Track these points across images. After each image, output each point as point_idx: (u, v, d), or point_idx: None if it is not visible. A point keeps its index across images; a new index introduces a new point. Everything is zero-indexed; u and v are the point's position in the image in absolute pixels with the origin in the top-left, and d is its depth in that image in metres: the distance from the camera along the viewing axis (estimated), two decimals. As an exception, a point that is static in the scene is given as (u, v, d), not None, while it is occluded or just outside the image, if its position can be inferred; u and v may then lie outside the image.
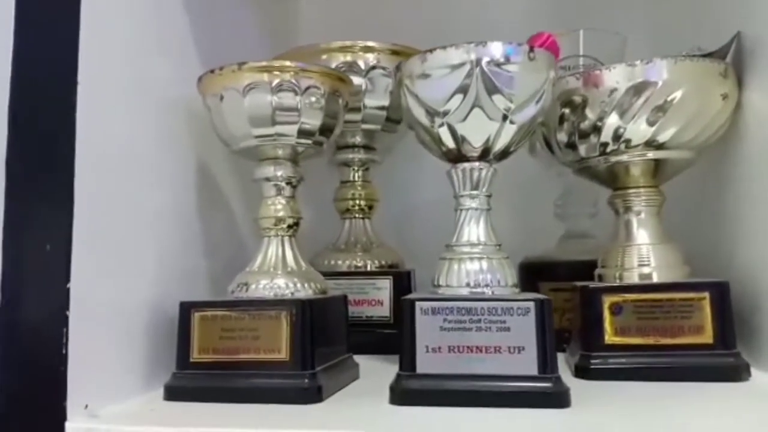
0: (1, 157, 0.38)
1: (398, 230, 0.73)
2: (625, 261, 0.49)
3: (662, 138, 0.47)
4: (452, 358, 0.40)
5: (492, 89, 0.41)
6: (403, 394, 0.39)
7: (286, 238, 0.47)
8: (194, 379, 0.42)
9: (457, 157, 0.44)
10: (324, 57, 0.60)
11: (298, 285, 0.45)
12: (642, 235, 0.50)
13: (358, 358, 0.50)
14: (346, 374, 0.46)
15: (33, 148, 0.38)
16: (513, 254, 0.47)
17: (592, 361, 0.47)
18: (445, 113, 0.42)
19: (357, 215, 0.65)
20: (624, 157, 0.49)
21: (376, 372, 0.47)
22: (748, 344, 0.47)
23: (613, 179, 0.51)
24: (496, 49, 0.41)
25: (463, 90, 0.41)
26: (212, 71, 0.45)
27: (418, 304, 0.41)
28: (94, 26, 0.39)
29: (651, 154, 0.48)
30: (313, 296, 0.45)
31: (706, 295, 0.46)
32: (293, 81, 0.44)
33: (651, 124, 0.47)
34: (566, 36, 0.58)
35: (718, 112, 0.48)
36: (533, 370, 0.39)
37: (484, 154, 0.44)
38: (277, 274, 0.46)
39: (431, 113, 0.43)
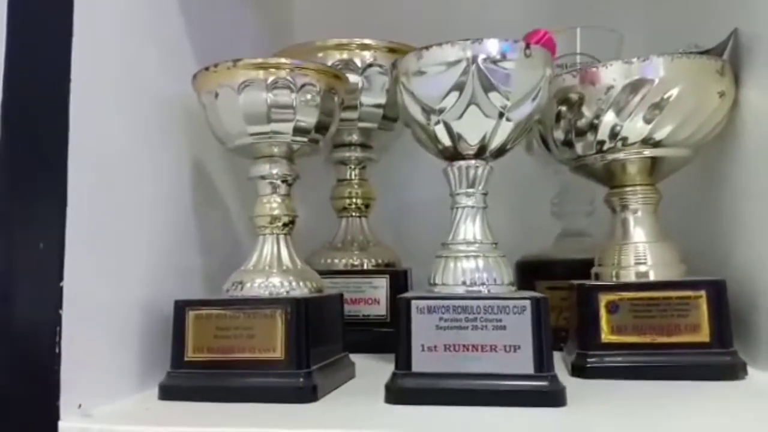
0: (-7, 155, 0.38)
1: (395, 229, 0.73)
2: (621, 259, 0.49)
3: (659, 136, 0.47)
4: (448, 357, 0.39)
5: (488, 86, 0.41)
6: (398, 393, 0.39)
7: (282, 237, 0.47)
8: (189, 378, 0.42)
9: (453, 155, 0.44)
10: (320, 54, 0.60)
11: (294, 284, 0.45)
12: (639, 234, 0.49)
13: (355, 357, 0.50)
14: (341, 373, 0.46)
15: (26, 147, 0.37)
16: (510, 252, 0.47)
17: (589, 360, 0.46)
18: (441, 111, 0.42)
19: (354, 214, 0.65)
20: (620, 155, 0.48)
21: (373, 371, 0.47)
22: (744, 343, 0.47)
23: (610, 177, 0.51)
24: (492, 46, 0.41)
25: (459, 87, 0.41)
26: (207, 68, 0.45)
27: (413, 302, 0.40)
28: (87, 24, 0.39)
29: (648, 152, 0.48)
30: (309, 295, 0.45)
31: (703, 293, 0.46)
32: (289, 78, 0.44)
33: (648, 121, 0.47)
34: (563, 33, 0.58)
35: (714, 110, 0.47)
36: (529, 369, 0.38)
37: (481, 152, 0.43)
38: (272, 272, 0.45)
39: (427, 111, 0.43)
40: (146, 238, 0.46)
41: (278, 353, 0.41)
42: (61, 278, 0.37)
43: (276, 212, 0.46)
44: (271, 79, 0.43)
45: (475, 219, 0.44)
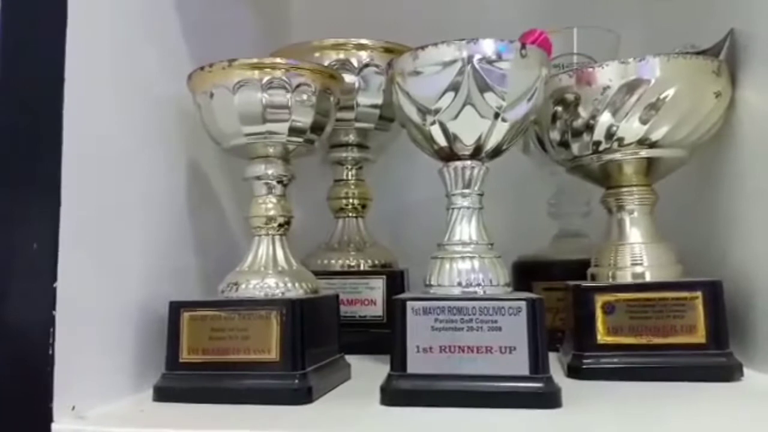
0: (-14, 155, 0.37)
1: (392, 229, 0.73)
2: (618, 260, 0.49)
3: (655, 136, 0.47)
4: (443, 359, 0.39)
5: (484, 87, 0.41)
6: (393, 395, 0.39)
7: (277, 237, 0.47)
8: (184, 380, 0.42)
9: (449, 155, 0.44)
10: (317, 55, 0.60)
11: (289, 284, 0.45)
12: (635, 234, 0.49)
13: (351, 358, 0.50)
14: (337, 375, 0.46)
15: (19, 146, 0.37)
16: (506, 253, 0.46)
17: (585, 361, 0.46)
18: (437, 111, 0.42)
19: (350, 214, 0.65)
20: (617, 156, 0.48)
21: (368, 372, 0.47)
22: (741, 343, 0.47)
23: (606, 178, 0.51)
24: (488, 47, 0.41)
25: (455, 87, 0.41)
26: (202, 68, 0.44)
27: (409, 303, 0.40)
28: (81, 23, 0.39)
29: (644, 153, 0.48)
30: (304, 296, 0.45)
31: (699, 294, 0.46)
32: (284, 78, 0.44)
33: (644, 122, 0.47)
34: (560, 34, 0.58)
35: (711, 110, 0.47)
36: (524, 370, 0.38)
37: (476, 153, 0.43)
38: (267, 273, 0.45)
39: (423, 111, 0.43)
40: (141, 239, 0.45)
41: (273, 355, 0.41)
42: (54, 279, 0.36)
43: (271, 213, 0.46)
44: (266, 79, 0.43)
45: (470, 220, 0.44)
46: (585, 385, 0.45)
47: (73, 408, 0.37)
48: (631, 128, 0.47)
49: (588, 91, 0.47)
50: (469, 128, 0.42)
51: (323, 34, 0.61)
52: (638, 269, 0.48)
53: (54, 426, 0.36)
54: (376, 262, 0.62)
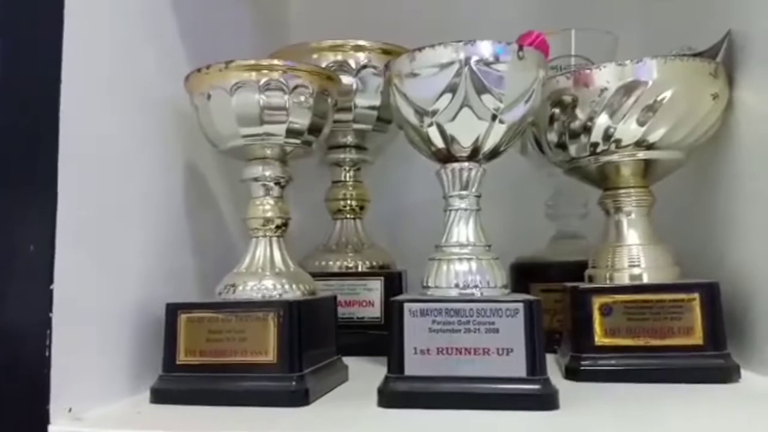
0: (-17, 157, 0.37)
1: (390, 231, 0.73)
2: (615, 262, 0.49)
3: (652, 138, 0.47)
4: (441, 360, 0.39)
5: (481, 89, 0.41)
6: (391, 397, 0.39)
7: (275, 239, 0.47)
8: (181, 382, 0.42)
9: (446, 157, 0.44)
10: (315, 56, 0.60)
11: (286, 286, 0.45)
12: (632, 236, 0.49)
13: (349, 360, 0.49)
14: (334, 376, 0.46)
15: (16, 147, 0.37)
16: (504, 254, 0.46)
17: (582, 363, 0.46)
18: (434, 113, 0.42)
19: (348, 215, 0.64)
20: (614, 158, 0.48)
21: (366, 374, 0.47)
22: (738, 345, 0.47)
23: (604, 179, 0.51)
24: (485, 48, 0.41)
25: (452, 89, 0.41)
26: (199, 70, 0.44)
27: (406, 305, 0.40)
28: (79, 22, 0.39)
29: (641, 155, 0.48)
30: (302, 297, 0.45)
31: (696, 296, 0.46)
32: (281, 80, 0.44)
33: (641, 124, 0.47)
34: (558, 35, 0.58)
35: (708, 112, 0.47)
36: (522, 372, 0.38)
37: (474, 154, 0.43)
38: (265, 275, 0.45)
39: (420, 113, 0.43)
40: (138, 240, 0.45)
41: (270, 356, 0.41)
42: (51, 281, 0.36)
43: (269, 214, 0.46)
44: (263, 80, 0.43)
45: (468, 221, 0.44)
46: (582, 386, 0.45)
47: (70, 410, 0.37)
48: (629, 130, 0.47)
49: (585, 93, 0.47)
50: (466, 130, 0.42)
51: (322, 35, 0.61)
52: (636, 271, 0.48)
53: (50, 428, 0.36)
54: (374, 263, 0.62)
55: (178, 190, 0.52)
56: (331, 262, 0.62)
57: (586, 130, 0.48)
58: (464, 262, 0.42)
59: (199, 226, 0.54)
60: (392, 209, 0.76)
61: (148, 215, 0.47)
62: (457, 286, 0.42)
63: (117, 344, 0.43)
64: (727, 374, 0.44)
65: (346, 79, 0.58)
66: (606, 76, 0.47)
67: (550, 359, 0.50)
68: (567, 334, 0.50)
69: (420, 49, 0.42)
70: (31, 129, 0.37)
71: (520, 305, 0.39)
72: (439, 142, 0.43)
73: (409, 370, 0.39)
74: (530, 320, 0.39)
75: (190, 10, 0.54)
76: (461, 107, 0.41)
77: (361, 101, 0.60)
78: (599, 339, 0.47)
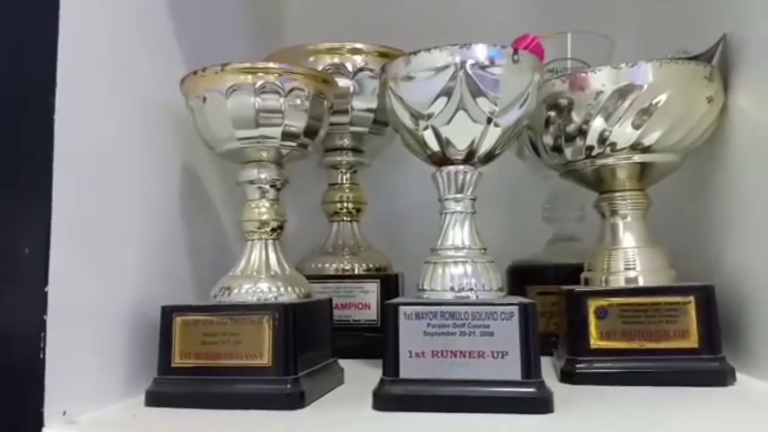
0: (-23, 159, 0.37)
1: (386, 233, 0.73)
2: (611, 264, 0.49)
3: (648, 141, 0.47)
4: (436, 363, 0.39)
5: (476, 92, 0.41)
6: (386, 400, 0.39)
7: (270, 242, 0.47)
8: (176, 385, 0.42)
9: (441, 160, 0.44)
10: (311, 59, 0.60)
11: (282, 289, 0.45)
12: (628, 239, 0.49)
13: (345, 363, 0.49)
14: (330, 379, 0.46)
15: (10, 149, 0.37)
16: (501, 257, 0.46)
17: (578, 366, 0.46)
18: (430, 116, 0.42)
19: (345, 218, 0.64)
20: (610, 161, 0.48)
21: (362, 376, 0.47)
22: (734, 348, 0.47)
23: (600, 182, 0.51)
24: (480, 52, 0.41)
25: (447, 93, 0.41)
26: (195, 72, 0.44)
27: (401, 308, 0.40)
28: (74, 24, 0.39)
29: (637, 158, 0.48)
30: (297, 300, 0.45)
31: (692, 299, 0.46)
32: (277, 83, 0.44)
33: (636, 127, 0.47)
34: (554, 39, 0.58)
35: (703, 115, 0.47)
36: (516, 375, 0.38)
37: (469, 157, 0.43)
38: (260, 278, 0.45)
39: (415, 116, 0.43)
40: (134, 243, 0.45)
41: (265, 359, 0.41)
42: (45, 283, 0.36)
43: (264, 217, 0.46)
44: (259, 83, 0.43)
45: (463, 224, 0.44)
46: (578, 389, 0.45)
47: (64, 413, 0.37)
48: (624, 133, 0.47)
49: (581, 96, 0.48)
50: (461, 133, 0.42)
51: (318, 37, 0.61)
52: (631, 274, 0.48)
53: (45, 431, 0.36)
54: (371, 266, 0.62)
55: (173, 192, 0.51)
56: (327, 265, 0.62)
57: (582, 133, 0.48)
58: (459, 265, 0.42)
59: (194, 229, 0.54)
60: (389, 212, 0.76)
61: (144, 217, 0.47)
62: (452, 289, 0.42)
63: (112, 347, 0.43)
64: (722, 377, 0.44)
65: (343, 82, 0.58)
66: (601, 80, 0.47)
67: (546, 362, 0.50)
68: (562, 337, 0.50)
69: (415, 53, 0.42)
70: (26, 130, 0.37)
71: (515, 308, 0.39)
72: (434, 146, 0.43)
73: (404, 373, 0.39)
74: (525, 323, 0.39)
75: (186, 13, 0.54)
76: (456, 110, 0.41)
77: (358, 104, 0.60)
78: (595, 342, 0.47)
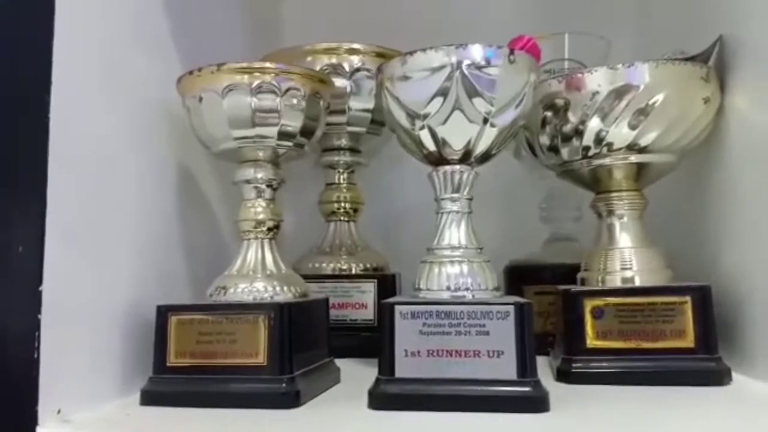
0: (-28, 157, 0.37)
1: (383, 233, 0.73)
2: (607, 264, 0.49)
3: (644, 142, 0.47)
4: (431, 362, 0.39)
5: (472, 92, 0.41)
6: (381, 399, 0.39)
7: (266, 241, 0.47)
8: (171, 384, 0.42)
9: (438, 160, 0.44)
10: (308, 59, 0.60)
11: (278, 288, 0.45)
12: (624, 239, 0.50)
13: (342, 362, 0.49)
14: (326, 378, 0.46)
15: (4, 148, 0.37)
16: (498, 257, 0.46)
17: (574, 365, 0.46)
18: (426, 116, 0.42)
19: (342, 218, 0.64)
20: (606, 161, 0.48)
21: (358, 376, 0.47)
22: (730, 348, 0.47)
23: (596, 183, 0.51)
24: (477, 52, 0.41)
25: (444, 93, 0.41)
26: (191, 72, 0.44)
27: (397, 308, 0.40)
28: (70, 23, 0.39)
29: (633, 158, 0.48)
30: (293, 300, 0.45)
31: (688, 299, 0.46)
32: (273, 82, 0.44)
33: (633, 127, 0.47)
34: (551, 39, 0.58)
35: (699, 116, 0.47)
36: (512, 375, 0.38)
37: (465, 157, 0.43)
38: (256, 277, 0.45)
39: (412, 116, 0.43)
40: (129, 242, 0.45)
41: (261, 359, 0.41)
42: (40, 282, 0.36)
43: (260, 217, 0.46)
44: (255, 83, 0.43)
45: (460, 224, 0.44)
46: (574, 389, 0.45)
47: (59, 411, 0.37)
48: (620, 133, 0.47)
49: (577, 97, 0.48)
50: (457, 133, 0.42)
51: (316, 37, 0.61)
52: (628, 274, 0.48)
53: (39, 429, 0.36)
54: (368, 265, 0.62)
55: (169, 191, 0.51)
56: (324, 265, 0.62)
57: (578, 133, 0.48)
58: (456, 265, 0.42)
59: (190, 228, 0.54)
60: (386, 212, 0.76)
61: (139, 217, 0.47)
62: (448, 288, 0.42)
63: (107, 346, 0.42)
64: (718, 377, 0.44)
65: (340, 82, 0.58)
66: (598, 80, 0.47)
67: (543, 361, 0.50)
68: (559, 336, 0.50)
69: (411, 53, 0.42)
70: (20, 130, 0.37)
71: (511, 308, 0.39)
72: (430, 145, 0.43)
73: (399, 372, 0.39)
74: (521, 323, 0.39)
75: (182, 12, 0.54)
76: (452, 110, 0.41)
77: (355, 104, 0.60)
78: (591, 341, 0.47)
